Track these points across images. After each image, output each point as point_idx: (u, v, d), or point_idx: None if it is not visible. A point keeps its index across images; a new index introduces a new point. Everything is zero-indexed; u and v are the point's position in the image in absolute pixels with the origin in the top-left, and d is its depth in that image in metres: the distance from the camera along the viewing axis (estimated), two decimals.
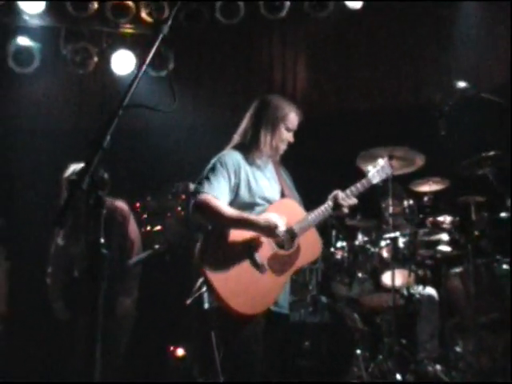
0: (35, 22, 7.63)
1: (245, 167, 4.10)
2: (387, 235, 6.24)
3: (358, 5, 7.44)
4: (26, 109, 8.00)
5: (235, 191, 4.04)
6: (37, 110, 8.03)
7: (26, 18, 7.54)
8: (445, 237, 6.23)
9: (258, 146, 4.15)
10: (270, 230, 3.88)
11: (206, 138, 7.35)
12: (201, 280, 4.34)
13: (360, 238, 6.45)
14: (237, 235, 3.92)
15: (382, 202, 6.39)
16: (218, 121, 7.76)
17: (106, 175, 5.17)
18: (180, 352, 6.51)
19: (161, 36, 2.63)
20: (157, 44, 2.60)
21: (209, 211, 3.89)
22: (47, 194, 6.28)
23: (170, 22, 2.68)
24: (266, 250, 3.94)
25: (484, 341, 5.67)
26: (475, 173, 5.92)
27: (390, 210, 6.10)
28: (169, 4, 7.42)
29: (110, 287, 5.45)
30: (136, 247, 5.90)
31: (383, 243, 6.32)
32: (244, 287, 3.85)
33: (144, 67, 2.59)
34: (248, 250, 3.90)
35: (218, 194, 3.93)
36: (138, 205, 6.69)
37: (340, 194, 4.12)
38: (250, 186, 4.06)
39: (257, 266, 3.89)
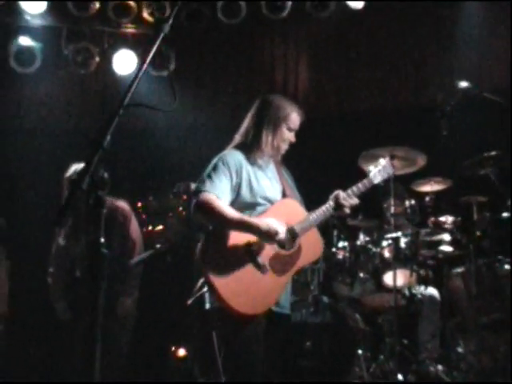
0: (37, 22, 7.62)
1: (246, 167, 4.09)
2: (389, 235, 6.23)
3: (359, 5, 7.43)
4: (28, 109, 8.00)
5: (236, 191, 4.03)
6: (38, 109, 8.03)
7: (28, 17, 7.54)
8: (446, 237, 6.22)
9: (259, 145, 4.14)
10: (270, 235, 3.87)
11: (207, 138, 7.35)
12: (202, 280, 4.34)
13: (362, 238, 6.45)
14: (238, 235, 3.91)
15: (383, 202, 6.38)
16: (219, 121, 7.75)
17: (106, 175, 5.15)
18: (181, 352, 6.51)
19: (162, 35, 2.62)
20: (157, 43, 2.60)
21: (210, 212, 3.88)
22: (48, 194, 6.28)
23: (170, 21, 2.67)
24: (268, 250, 3.93)
25: (485, 341, 5.66)
26: (477, 173, 5.92)
27: (392, 209, 6.09)
28: (170, 4, 7.42)
29: (111, 287, 5.49)
30: (137, 247, 5.90)
31: (385, 243, 6.31)
32: (245, 287, 3.84)
33: (145, 66, 2.58)
34: (249, 250, 3.89)
35: (219, 193, 3.92)
36: (139, 205, 6.69)
37: (341, 193, 4.12)
38: (252, 185, 4.06)
39: (258, 266, 3.88)
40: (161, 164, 7.72)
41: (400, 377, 5.56)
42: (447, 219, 6.25)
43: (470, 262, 5.92)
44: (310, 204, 4.22)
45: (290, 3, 7.42)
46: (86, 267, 5.59)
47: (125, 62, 7.73)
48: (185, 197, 6.34)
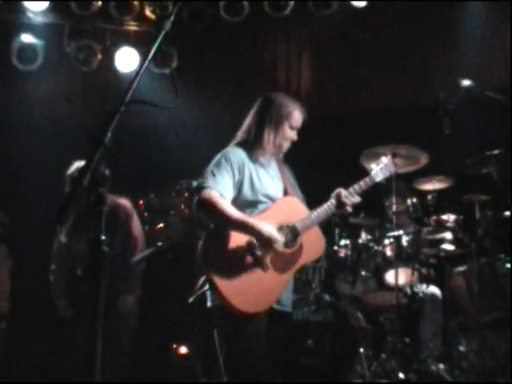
0: (39, 20, 7.62)
1: (248, 165, 4.09)
2: (391, 233, 6.23)
3: (362, 4, 7.42)
4: (30, 106, 8.00)
5: (238, 188, 4.03)
6: (40, 107, 8.02)
7: (30, 15, 7.53)
8: (448, 235, 6.22)
9: (261, 143, 4.14)
10: (269, 242, 3.86)
11: (209, 136, 7.35)
12: (203, 278, 4.34)
13: (363, 237, 6.44)
14: (240, 234, 3.91)
15: (385, 201, 6.38)
16: (221, 119, 7.75)
17: (107, 172, 5.16)
18: (183, 350, 6.52)
19: (163, 32, 2.61)
20: (159, 40, 2.59)
21: (213, 210, 3.88)
22: (50, 192, 6.27)
23: (172, 18, 2.66)
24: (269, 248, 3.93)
25: (487, 340, 5.66)
26: (479, 171, 5.91)
27: (394, 208, 6.08)
28: (172, 1, 7.41)
29: (113, 285, 5.48)
30: (139, 245, 5.90)
31: (387, 241, 6.31)
32: (247, 285, 3.84)
33: (146, 63, 2.57)
34: (251, 248, 3.88)
35: (222, 190, 3.92)
36: (141, 202, 6.69)
37: (343, 192, 4.11)
38: (253, 183, 4.05)
39: (259, 264, 3.88)
40: (162, 162, 7.72)
41: (401, 375, 5.55)
42: (449, 218, 6.25)
43: (471, 261, 5.91)
44: (312, 202, 4.21)
45: (292, 2, 7.42)
46: (88, 265, 5.59)
47: (127, 60, 7.72)
48: (186, 194, 6.34)
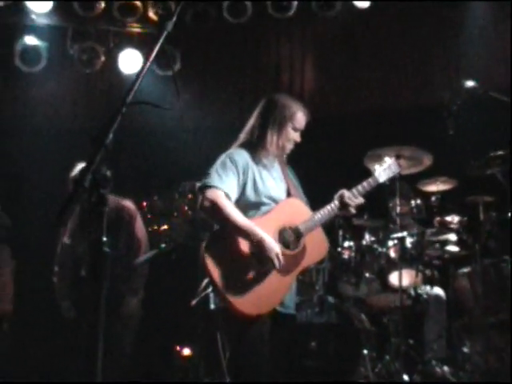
0: (42, 22, 7.64)
1: (252, 166, 4.08)
2: (394, 235, 6.22)
3: (365, 4, 7.41)
4: (33, 108, 8.01)
5: (242, 189, 4.02)
6: (43, 109, 8.04)
7: (34, 17, 7.55)
8: (452, 237, 6.20)
9: (264, 145, 4.13)
10: (270, 252, 3.84)
11: (212, 138, 7.34)
12: (206, 280, 4.33)
13: (367, 238, 6.43)
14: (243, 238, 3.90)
15: (389, 202, 6.36)
16: (224, 120, 7.75)
17: (108, 173, 5.15)
18: (186, 352, 6.51)
19: (165, 33, 2.60)
20: (161, 41, 2.58)
21: (217, 211, 3.87)
22: (53, 194, 6.27)
23: (174, 19, 2.66)
24: None
25: (492, 341, 5.64)
26: (483, 172, 5.89)
27: (398, 209, 6.08)
28: (175, 3, 7.41)
29: (116, 287, 5.49)
30: (143, 246, 5.90)
31: (390, 243, 6.30)
32: (250, 288, 3.82)
33: (148, 64, 2.56)
34: (254, 250, 3.87)
35: (227, 189, 3.91)
36: (144, 204, 6.68)
37: (346, 193, 4.10)
38: (257, 185, 4.04)
39: (263, 266, 3.86)
40: (166, 163, 7.72)
41: (405, 377, 5.54)
42: (453, 219, 6.24)
43: (475, 262, 5.90)
44: (315, 203, 4.20)
45: (295, 3, 7.42)
46: (89, 266, 5.59)
47: (130, 62, 7.74)
48: (190, 196, 6.34)
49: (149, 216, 6.56)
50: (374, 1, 7.38)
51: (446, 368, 5.71)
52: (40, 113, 8.03)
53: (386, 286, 6.30)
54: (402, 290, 5.84)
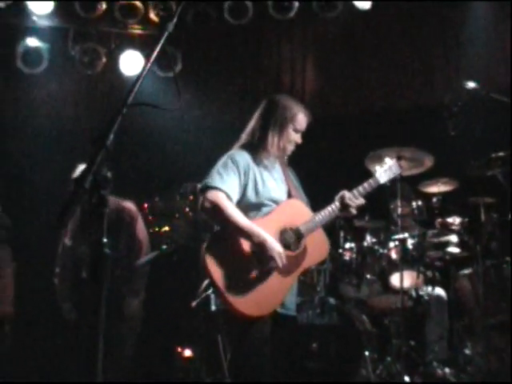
0: (44, 23, 7.64)
1: (253, 167, 4.08)
2: (396, 236, 6.22)
3: (366, 5, 7.41)
4: (35, 109, 8.01)
5: (243, 190, 4.02)
6: (45, 110, 8.03)
7: (35, 18, 7.55)
8: (454, 238, 6.20)
9: (265, 146, 4.12)
10: (272, 252, 3.84)
11: (213, 139, 7.34)
12: (206, 281, 4.33)
13: (368, 239, 6.43)
14: (244, 239, 3.89)
15: (390, 203, 6.36)
16: (225, 121, 7.75)
17: (109, 174, 5.16)
18: (187, 353, 6.50)
19: (166, 34, 2.60)
20: (162, 41, 2.58)
21: (218, 212, 3.87)
22: (55, 195, 6.27)
23: (175, 20, 2.65)
24: None
25: (493, 342, 5.63)
26: (484, 174, 5.88)
27: (399, 210, 6.07)
28: (177, 4, 7.42)
29: (118, 288, 5.49)
30: (144, 248, 5.90)
31: (392, 244, 6.30)
32: (251, 289, 3.82)
33: (149, 65, 2.56)
34: (255, 251, 3.87)
35: (228, 190, 3.91)
36: (145, 205, 6.69)
37: (347, 194, 4.09)
38: (258, 186, 4.04)
39: (263, 267, 3.86)
40: (167, 165, 7.72)
41: (407, 379, 5.53)
42: (454, 220, 6.23)
43: (477, 264, 5.90)
44: (316, 204, 4.20)
45: (296, 4, 7.41)
46: (89, 267, 5.59)
47: (131, 63, 7.73)
48: (191, 198, 6.34)
49: (150, 217, 6.56)
50: (375, 0, 7.37)
51: (447, 369, 5.70)
52: (41, 114, 8.03)
53: (387, 288, 6.30)
54: (403, 292, 5.83)
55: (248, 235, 3.85)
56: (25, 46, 7.59)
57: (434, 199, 6.37)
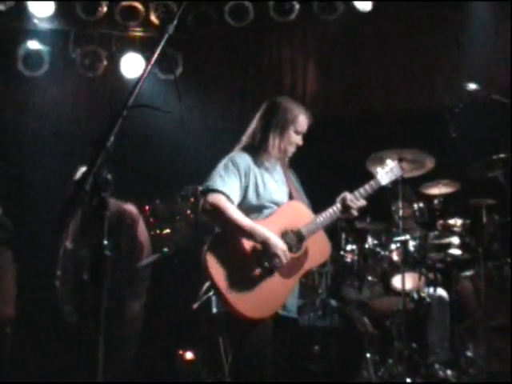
0: (45, 26, 7.64)
1: (254, 169, 4.07)
2: (397, 238, 6.21)
3: (367, 7, 7.40)
4: (36, 112, 8.00)
5: (244, 193, 4.02)
6: (46, 113, 8.03)
7: (36, 21, 7.55)
8: (455, 240, 6.20)
9: (266, 148, 4.12)
10: (275, 250, 3.84)
11: (214, 141, 7.33)
12: (208, 284, 4.33)
13: (370, 241, 6.43)
14: (245, 240, 3.88)
15: (391, 205, 6.35)
16: (226, 123, 7.75)
17: (109, 176, 5.15)
18: (189, 355, 6.50)
19: (166, 36, 2.60)
20: (162, 43, 2.58)
21: (219, 214, 3.87)
22: (55, 197, 6.27)
23: (175, 22, 2.65)
24: None
25: (494, 344, 5.63)
26: (486, 175, 5.89)
27: (400, 212, 6.07)
28: (178, 6, 7.41)
29: (119, 290, 5.48)
30: (145, 250, 5.90)
31: (393, 246, 6.30)
32: (252, 291, 3.81)
33: (150, 67, 2.56)
34: (256, 252, 3.87)
35: (229, 193, 3.91)
36: (147, 208, 6.68)
37: (348, 195, 4.09)
38: (258, 188, 4.04)
39: (265, 269, 3.86)
40: (168, 167, 7.71)
41: (408, 381, 5.53)
42: (456, 222, 6.23)
43: (478, 265, 5.90)
44: (317, 206, 4.19)
45: (297, 6, 7.41)
46: (90, 269, 5.59)
47: (132, 66, 7.72)
48: (192, 200, 6.33)
49: (151, 220, 6.56)
50: (376, 1, 7.36)
51: (449, 371, 5.69)
52: (42, 117, 8.02)
53: (389, 290, 6.29)
54: (404, 294, 5.82)
55: (250, 234, 3.85)
56: (26, 49, 7.59)
57: (436, 201, 6.37)
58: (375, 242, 6.42)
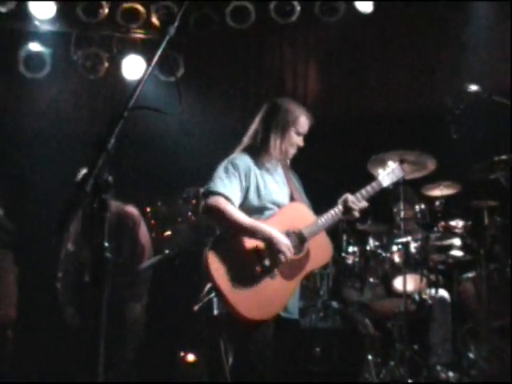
0: (46, 28, 7.65)
1: (255, 171, 4.08)
2: (399, 240, 6.20)
3: (368, 9, 7.40)
4: (37, 114, 8.01)
5: (245, 194, 4.02)
6: (47, 115, 8.03)
7: (37, 23, 7.56)
8: (457, 241, 6.18)
9: (267, 149, 4.12)
10: (280, 245, 3.84)
11: (215, 143, 7.33)
12: (209, 285, 4.32)
13: (371, 243, 6.42)
14: (246, 240, 3.89)
15: (393, 207, 6.35)
16: (228, 126, 7.74)
17: (110, 178, 5.15)
18: (190, 358, 6.49)
19: (167, 37, 2.60)
20: (163, 45, 2.58)
21: (221, 215, 3.87)
22: (57, 199, 6.26)
23: (176, 24, 2.65)
24: (276, 254, 3.90)
25: (496, 346, 5.62)
26: (487, 177, 5.87)
27: (402, 214, 6.06)
28: (179, 8, 7.40)
29: (120, 292, 5.48)
30: (147, 252, 5.90)
31: (395, 248, 6.28)
32: (253, 292, 3.82)
33: (150, 68, 2.56)
34: (257, 254, 3.86)
35: (230, 195, 3.91)
36: (148, 210, 6.69)
37: (350, 197, 4.09)
38: (259, 189, 4.04)
39: (266, 270, 3.86)
40: (169, 169, 7.71)
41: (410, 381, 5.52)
42: (457, 224, 6.21)
43: (480, 267, 5.89)
44: (319, 208, 4.19)
45: (298, 8, 7.41)
46: (90, 271, 5.58)
47: (134, 67, 7.72)
48: (194, 202, 6.34)
49: (152, 221, 6.57)
50: (378, 0, 7.36)
51: (450, 373, 5.68)
52: (44, 119, 8.03)
53: (391, 291, 6.28)
54: (406, 295, 5.81)
55: (253, 232, 3.85)
56: (27, 51, 7.59)
57: (437, 202, 6.35)
58: (376, 243, 6.41)
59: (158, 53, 2.57)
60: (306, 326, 5.88)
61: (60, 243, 5.90)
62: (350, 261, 6.32)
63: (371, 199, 4.20)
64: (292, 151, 4.19)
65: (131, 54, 7.78)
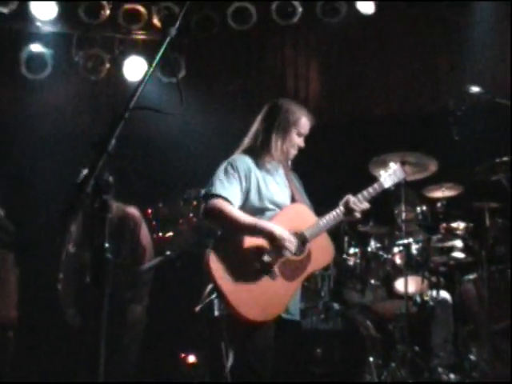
0: (47, 29, 7.66)
1: (255, 172, 4.07)
2: (400, 241, 6.20)
3: (370, 10, 7.40)
4: (38, 115, 8.01)
5: (245, 195, 4.01)
6: (49, 116, 8.03)
7: (39, 24, 7.56)
8: (458, 243, 6.17)
9: (268, 150, 4.12)
10: (282, 241, 3.83)
11: (216, 144, 7.32)
12: (210, 287, 4.33)
13: (373, 245, 6.42)
14: (247, 241, 3.88)
15: (394, 208, 6.35)
16: (229, 126, 7.73)
17: (111, 179, 5.14)
18: (191, 359, 6.49)
19: (168, 38, 2.60)
20: (164, 46, 2.58)
21: (222, 216, 3.86)
22: (58, 200, 6.27)
23: (177, 25, 2.65)
24: (277, 255, 3.90)
25: (498, 348, 5.61)
26: (489, 178, 5.87)
27: (403, 216, 6.06)
28: (180, 9, 7.40)
29: (121, 294, 5.48)
30: (148, 253, 5.89)
31: (396, 250, 6.28)
32: (254, 294, 3.81)
33: (151, 69, 2.55)
34: (259, 255, 3.86)
35: (230, 196, 3.90)
36: (149, 211, 6.68)
37: (351, 198, 4.08)
38: (260, 190, 4.03)
39: (268, 271, 3.85)
40: (170, 170, 7.71)
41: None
42: (459, 225, 6.21)
43: (482, 269, 5.88)
44: (320, 209, 4.18)
45: (300, 9, 7.41)
46: (91, 272, 5.57)
47: (135, 69, 7.73)
48: (195, 203, 6.33)
49: (154, 223, 6.56)
50: (379, 1, 7.36)
51: (452, 375, 5.67)
52: (45, 120, 8.02)
53: (392, 293, 6.28)
54: (407, 297, 5.81)
55: (254, 230, 3.84)
56: (28, 52, 7.60)
57: (439, 204, 6.35)
58: (378, 245, 6.41)
59: (160, 53, 2.57)
60: (307, 327, 5.87)
61: (64, 243, 5.89)
62: (351, 262, 6.32)
63: (373, 201, 4.18)
64: (293, 152, 4.18)
65: (133, 55, 7.79)
